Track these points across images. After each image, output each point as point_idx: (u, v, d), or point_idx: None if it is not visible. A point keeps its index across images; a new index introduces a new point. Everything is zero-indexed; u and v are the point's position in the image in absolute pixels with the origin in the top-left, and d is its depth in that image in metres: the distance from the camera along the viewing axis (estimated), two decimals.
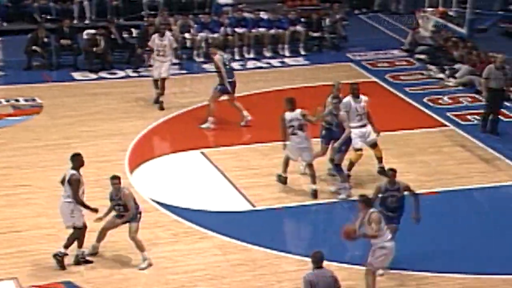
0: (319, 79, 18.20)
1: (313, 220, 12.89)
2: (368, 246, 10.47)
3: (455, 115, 16.60)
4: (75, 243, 11.31)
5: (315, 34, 20.23)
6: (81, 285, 10.83)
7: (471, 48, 18.57)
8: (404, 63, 19.67)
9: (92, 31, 19.26)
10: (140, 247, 11.30)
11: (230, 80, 15.50)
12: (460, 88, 18.00)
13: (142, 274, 11.14)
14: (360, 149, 13.43)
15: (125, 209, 11.18)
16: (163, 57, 16.41)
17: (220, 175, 13.91)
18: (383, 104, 16.72)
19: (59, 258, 11.19)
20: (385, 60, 19.77)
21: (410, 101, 17.22)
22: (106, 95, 17.44)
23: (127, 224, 11.27)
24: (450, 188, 13.52)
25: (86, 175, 12.73)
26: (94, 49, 18.49)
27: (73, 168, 11.26)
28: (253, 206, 13.02)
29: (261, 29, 19.87)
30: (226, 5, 21.08)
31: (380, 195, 11.02)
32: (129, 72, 18.64)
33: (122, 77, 18.45)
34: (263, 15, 20.16)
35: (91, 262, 11.36)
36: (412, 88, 18.00)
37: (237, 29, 19.68)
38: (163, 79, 16.53)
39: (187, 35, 19.50)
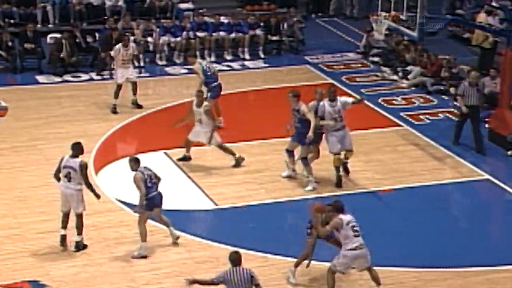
0: (279, 81, 18.53)
1: (274, 218, 13.07)
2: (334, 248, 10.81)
3: (408, 115, 16.94)
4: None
5: (274, 38, 20.50)
6: (48, 284, 10.95)
7: (422, 51, 18.97)
8: (359, 65, 19.92)
9: (57, 35, 19.34)
10: (142, 236, 11.64)
11: (215, 83, 15.78)
12: (413, 89, 18.35)
13: (108, 272, 11.29)
14: (339, 153, 13.56)
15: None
16: (127, 64, 16.70)
17: (184, 175, 14.13)
18: None
19: (80, 245, 11.70)
20: (341, 63, 20.01)
21: (366, 102, 17.63)
22: (70, 97, 17.53)
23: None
24: (405, 185, 13.86)
25: (52, 176, 13.03)
26: (61, 54, 18.57)
27: (74, 156, 11.57)
28: (216, 204, 13.25)
29: (222, 33, 20.10)
30: (188, 10, 21.23)
31: None
32: (93, 75, 18.76)
33: (86, 80, 18.55)
34: (224, 19, 20.36)
35: (86, 246, 11.84)
36: (367, 89, 18.25)
37: (198, 33, 19.88)
38: (134, 83, 16.77)
39: (149, 39, 19.71)
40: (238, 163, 14.37)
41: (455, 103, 16.86)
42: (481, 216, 13.42)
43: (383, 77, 19.13)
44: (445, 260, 11.81)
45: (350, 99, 13.92)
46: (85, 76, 18.79)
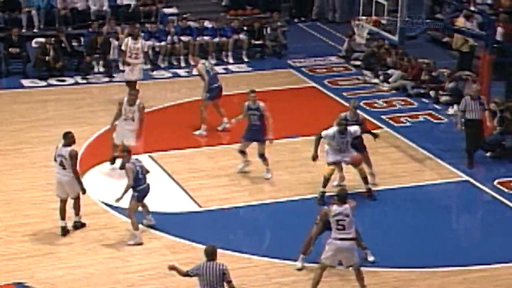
0: (262, 84, 18.59)
1: (258, 219, 13.22)
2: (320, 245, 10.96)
3: (389, 118, 17.12)
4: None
5: (257, 42, 20.66)
6: (33, 286, 11.01)
7: (402, 55, 19.20)
8: (341, 69, 20.05)
9: (42, 39, 19.39)
10: (133, 225, 12.05)
11: (216, 85, 15.97)
12: (393, 92, 18.54)
13: (94, 274, 11.37)
14: (334, 163, 13.37)
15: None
16: (135, 59, 16.85)
17: (168, 178, 14.24)
18: (322, 108, 17.35)
19: (79, 224, 12.24)
20: (323, 66, 20.13)
21: (348, 105, 17.71)
22: (55, 101, 17.58)
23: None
24: (386, 187, 14.02)
25: (37, 179, 13.23)
26: (47, 58, 18.63)
27: (65, 145, 12.00)
28: (200, 207, 13.37)
29: (206, 38, 20.23)
30: (172, 14, 21.34)
31: None
32: (78, 79, 18.84)
33: (71, 84, 18.61)
34: (208, 24, 20.50)
35: (84, 224, 12.35)
36: (349, 92, 18.41)
37: (182, 38, 19.99)
38: (134, 82, 16.93)
39: None
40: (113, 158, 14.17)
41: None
42: (460, 217, 13.67)
43: (364, 80, 19.30)
44: (424, 260, 11.96)
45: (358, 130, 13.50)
46: (70, 80, 18.85)
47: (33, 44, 19.86)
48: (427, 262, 11.89)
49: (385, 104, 17.94)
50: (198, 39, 20.24)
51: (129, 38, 16.97)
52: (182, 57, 19.98)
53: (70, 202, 12.40)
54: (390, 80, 18.95)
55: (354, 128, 13.35)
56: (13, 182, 13.98)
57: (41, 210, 12.93)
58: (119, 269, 11.54)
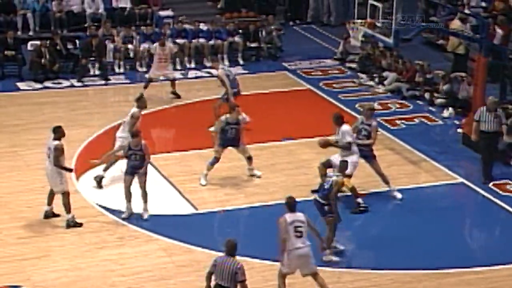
0: (257, 87, 18.68)
1: (254, 221, 13.25)
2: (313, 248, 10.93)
3: (385, 120, 17.18)
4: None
5: (253, 45, 20.70)
6: None
7: (397, 57, 19.27)
8: (336, 71, 20.11)
9: (37, 42, 19.40)
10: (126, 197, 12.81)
11: (235, 90, 16.05)
12: (389, 94, 18.63)
13: (90, 276, 11.39)
14: (350, 175, 13.21)
15: (141, 159, 12.59)
16: (164, 63, 17.66)
17: (164, 180, 14.26)
18: (318, 111, 17.41)
19: (71, 222, 12.42)
20: (319, 69, 20.19)
21: (343, 107, 17.65)
22: (51, 104, 17.59)
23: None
24: (381, 189, 14.03)
25: (32, 182, 13.26)
26: (42, 60, 18.64)
27: (54, 138, 12.41)
28: (196, 209, 13.40)
29: (201, 40, 20.28)
30: (167, 17, 21.36)
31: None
32: (74, 81, 18.83)
33: (66, 87, 18.62)
34: (203, 26, 20.54)
35: (80, 225, 12.43)
36: (345, 95, 18.49)
37: (178, 40, 20.02)
38: (172, 80, 17.85)
39: (130, 46, 19.85)
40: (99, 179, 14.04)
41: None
42: (456, 219, 13.68)
43: (359, 83, 19.36)
44: (420, 262, 12.00)
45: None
46: (65, 83, 18.85)
47: (29, 47, 19.90)
48: (422, 264, 11.94)
49: (380, 107, 17.95)
50: (193, 41, 20.28)
51: (157, 44, 17.79)
52: (177, 60, 19.96)
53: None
54: (385, 82, 19.00)
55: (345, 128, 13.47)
56: (9, 185, 13.99)
57: (36, 213, 12.92)
58: (114, 272, 11.55)
